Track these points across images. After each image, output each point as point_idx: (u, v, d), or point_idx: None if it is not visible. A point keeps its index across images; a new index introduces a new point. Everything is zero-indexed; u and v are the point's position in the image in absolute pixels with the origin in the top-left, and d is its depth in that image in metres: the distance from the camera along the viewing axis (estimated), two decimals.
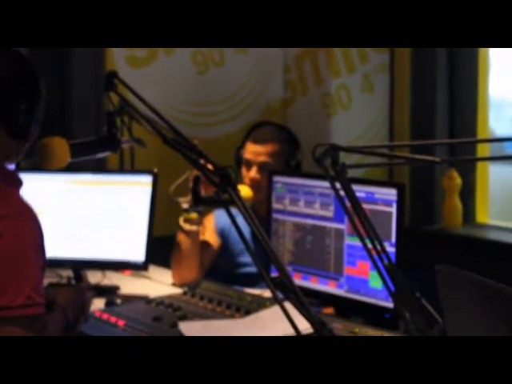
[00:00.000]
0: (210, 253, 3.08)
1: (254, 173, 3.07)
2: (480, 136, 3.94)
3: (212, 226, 3.13)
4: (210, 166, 1.79)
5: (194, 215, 2.92)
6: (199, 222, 2.96)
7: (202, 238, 3.05)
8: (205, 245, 3.06)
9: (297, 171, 3.11)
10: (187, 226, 2.93)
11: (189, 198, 2.81)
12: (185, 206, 2.87)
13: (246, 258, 3.04)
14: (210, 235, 3.11)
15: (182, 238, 2.96)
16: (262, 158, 3.07)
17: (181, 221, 2.94)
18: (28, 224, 1.83)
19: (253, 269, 2.95)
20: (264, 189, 2.94)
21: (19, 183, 1.93)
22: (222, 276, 3.06)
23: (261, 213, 2.94)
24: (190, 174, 2.82)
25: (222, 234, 3.11)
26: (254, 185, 3.05)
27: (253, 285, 2.96)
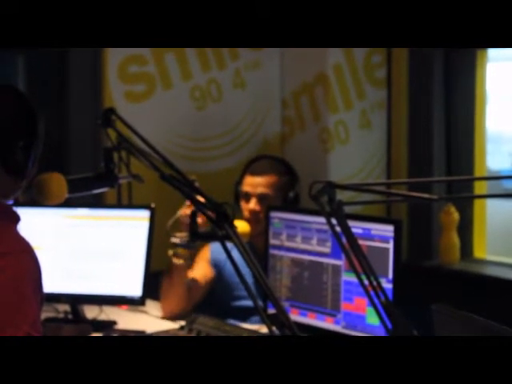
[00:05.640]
0: (204, 283, 3.08)
1: (253, 204, 3.08)
2: (477, 171, 3.95)
3: (207, 257, 3.13)
4: (206, 202, 1.80)
5: (181, 250, 2.93)
6: (188, 257, 2.97)
7: (196, 268, 3.07)
8: (198, 275, 3.06)
9: (295, 204, 3.12)
10: (175, 260, 2.94)
11: (185, 233, 2.81)
12: (174, 240, 2.86)
13: (242, 291, 3.03)
14: (204, 266, 3.11)
15: (170, 271, 2.96)
16: (261, 190, 3.08)
17: (170, 254, 2.94)
18: (26, 261, 1.82)
19: (249, 302, 2.94)
20: (263, 221, 2.94)
21: (17, 219, 1.92)
22: (218, 309, 3.06)
23: (259, 246, 2.93)
24: (184, 208, 2.84)
25: (217, 266, 3.11)
26: (252, 217, 3.06)
27: (249, 318, 2.96)
